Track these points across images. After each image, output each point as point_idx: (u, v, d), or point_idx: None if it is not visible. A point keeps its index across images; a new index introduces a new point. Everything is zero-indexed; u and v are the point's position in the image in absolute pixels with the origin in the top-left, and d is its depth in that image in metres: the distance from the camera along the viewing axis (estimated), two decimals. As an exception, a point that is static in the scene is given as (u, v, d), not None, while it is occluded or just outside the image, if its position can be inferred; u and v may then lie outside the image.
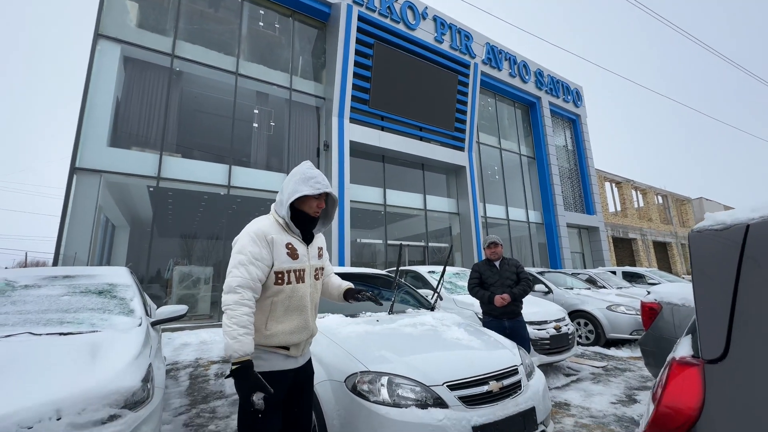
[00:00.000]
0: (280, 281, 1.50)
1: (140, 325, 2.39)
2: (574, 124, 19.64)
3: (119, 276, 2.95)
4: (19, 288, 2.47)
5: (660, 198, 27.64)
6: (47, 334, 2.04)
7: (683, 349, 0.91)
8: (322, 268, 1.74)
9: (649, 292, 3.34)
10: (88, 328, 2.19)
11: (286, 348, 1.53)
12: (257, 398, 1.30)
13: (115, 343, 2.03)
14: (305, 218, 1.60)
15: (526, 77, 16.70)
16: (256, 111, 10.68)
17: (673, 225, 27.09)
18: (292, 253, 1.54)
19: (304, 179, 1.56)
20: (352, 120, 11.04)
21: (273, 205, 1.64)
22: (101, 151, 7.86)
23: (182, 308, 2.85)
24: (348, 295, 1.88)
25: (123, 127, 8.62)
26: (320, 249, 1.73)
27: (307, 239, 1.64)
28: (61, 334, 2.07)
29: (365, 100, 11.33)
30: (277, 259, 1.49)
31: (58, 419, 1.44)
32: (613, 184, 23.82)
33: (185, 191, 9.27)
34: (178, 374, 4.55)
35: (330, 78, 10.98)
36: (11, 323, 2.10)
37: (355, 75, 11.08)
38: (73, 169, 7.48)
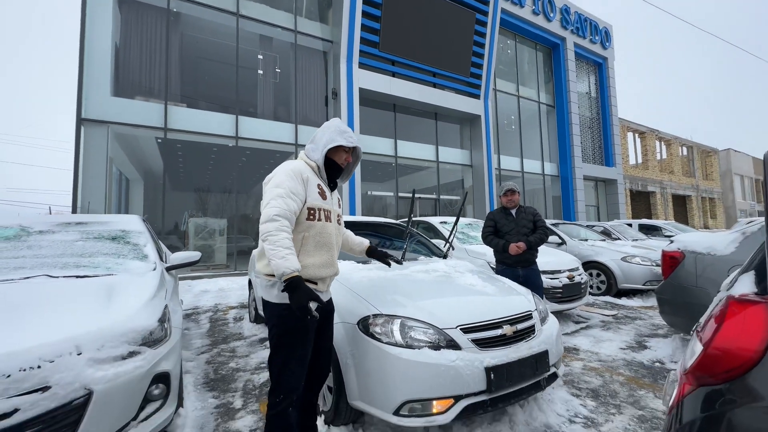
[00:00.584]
0: (312, 217, 1.60)
1: (155, 269, 2.41)
2: (599, 68, 18.26)
3: (131, 223, 2.96)
4: (34, 233, 2.49)
5: (684, 149, 26.34)
6: (64, 276, 2.08)
7: (743, 286, 0.82)
8: (341, 216, 1.86)
9: (672, 241, 3.22)
10: (104, 272, 2.22)
11: (314, 282, 1.62)
12: (313, 305, 1.37)
13: (131, 285, 2.05)
14: (334, 167, 1.73)
15: (551, 15, 15.27)
16: (260, 56, 10.14)
17: (695, 178, 26.07)
18: (322, 194, 1.66)
19: (339, 132, 1.70)
20: (362, 65, 10.43)
21: (303, 151, 1.77)
22: (105, 101, 7.68)
23: (196, 254, 2.87)
24: (373, 253, 2.04)
25: (125, 75, 8.33)
26: (339, 199, 1.87)
27: (332, 187, 1.78)
28: (77, 276, 2.10)
29: (375, 42, 10.59)
30: (310, 196, 1.60)
31: (78, 354, 1.47)
32: (636, 135, 22.65)
33: (194, 143, 9.15)
34: (198, 318, 4.78)
35: (337, 18, 10.20)
36: (29, 266, 2.13)
37: (364, 14, 10.25)
38: (80, 121, 7.38)
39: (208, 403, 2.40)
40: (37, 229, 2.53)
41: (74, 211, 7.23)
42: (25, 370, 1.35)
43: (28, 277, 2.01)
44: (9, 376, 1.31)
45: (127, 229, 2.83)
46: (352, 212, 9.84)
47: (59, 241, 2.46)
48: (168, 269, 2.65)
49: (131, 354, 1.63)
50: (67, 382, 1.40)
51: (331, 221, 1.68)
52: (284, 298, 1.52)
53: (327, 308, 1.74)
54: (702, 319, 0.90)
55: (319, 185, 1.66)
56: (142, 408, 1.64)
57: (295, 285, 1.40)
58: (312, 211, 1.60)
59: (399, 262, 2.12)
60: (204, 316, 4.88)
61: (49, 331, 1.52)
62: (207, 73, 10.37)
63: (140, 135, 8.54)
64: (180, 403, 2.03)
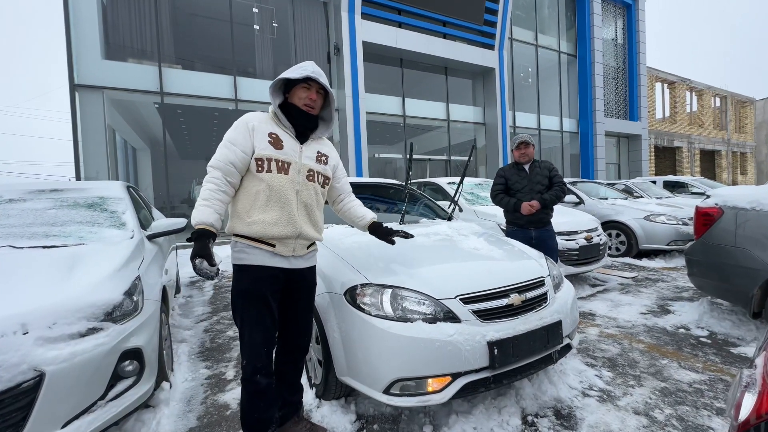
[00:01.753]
0: (260, 168, 1.44)
1: (132, 237, 2.24)
2: (628, 10, 16.57)
3: (111, 189, 2.76)
4: (3, 202, 2.33)
5: (717, 100, 24.38)
6: (29, 247, 1.92)
7: None
8: (323, 175, 1.60)
9: (707, 196, 2.84)
10: (75, 242, 2.05)
11: (271, 245, 1.46)
12: (199, 262, 1.30)
13: (99, 255, 1.88)
14: (296, 112, 1.51)
15: (576, -52, 13.64)
16: (255, 10, 9.44)
17: (727, 131, 24.33)
18: (275, 143, 1.47)
19: (291, 69, 1.50)
20: (365, 16, 9.63)
21: None
22: (98, 65, 7.34)
23: (180, 221, 2.68)
24: (377, 231, 1.77)
25: (115, 36, 7.91)
26: (321, 154, 1.60)
27: (302, 137, 1.55)
28: (44, 247, 1.94)
29: (379, -11, 9.69)
30: (258, 146, 1.44)
31: (24, 333, 1.32)
32: (665, 85, 20.96)
33: (193, 108, 8.82)
34: (203, 285, 4.74)
35: (336, -38, 9.30)
36: (-7, 237, 1.97)
37: (366, -44, 9.30)
38: (73, 87, 7.11)
39: (200, 374, 2.31)
40: (6, 198, 2.36)
41: (78, 180, 7.17)
42: (-41, 352, 1.20)
43: (-11, 249, 1.86)
44: (-60, 359, 1.17)
45: (106, 195, 2.64)
46: (359, 176, 9.53)
47: (30, 209, 2.29)
48: (150, 238, 2.48)
49: (91, 330, 1.47)
50: (12, 364, 1.26)
51: (287, 173, 1.46)
52: (237, 260, 1.47)
53: (294, 283, 1.55)
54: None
55: (272, 134, 1.47)
56: (111, 386, 1.51)
57: (195, 238, 1.34)
58: (260, 162, 1.43)
59: (408, 237, 1.80)
60: (209, 283, 4.84)
61: (-7, 308, 1.36)
62: (200, 30, 9.77)
63: (137, 100, 8.25)
64: (164, 377, 1.92)
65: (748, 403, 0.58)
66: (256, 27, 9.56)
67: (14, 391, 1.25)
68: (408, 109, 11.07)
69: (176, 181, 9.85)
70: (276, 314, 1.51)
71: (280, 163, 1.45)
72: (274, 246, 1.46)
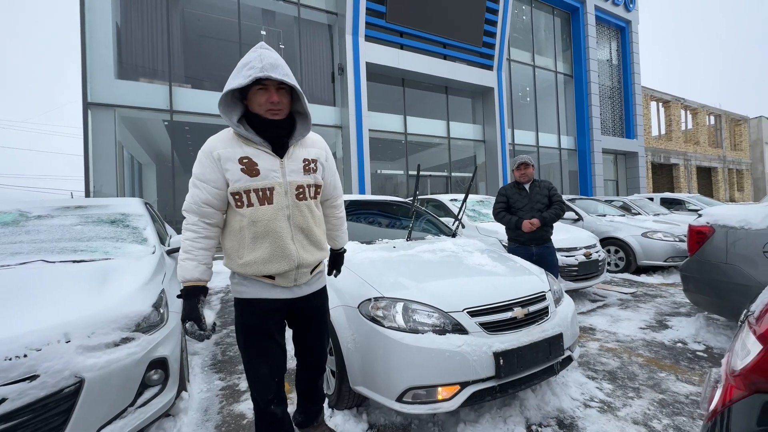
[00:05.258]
0: (239, 203, 1.27)
1: (153, 253, 2.36)
2: (622, 33, 17.14)
3: (132, 206, 2.90)
4: (33, 218, 2.46)
5: (712, 118, 24.89)
6: (60, 261, 2.04)
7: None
8: (315, 185, 1.39)
9: (700, 215, 2.98)
10: (101, 256, 2.18)
11: (271, 277, 1.34)
12: (189, 326, 1.27)
13: (127, 269, 2.00)
14: (262, 123, 1.28)
15: (570, -25, 14.25)
16: (263, 32, 9.84)
17: (722, 148, 24.74)
18: (249, 169, 1.25)
19: (236, 71, 1.24)
20: (368, 38, 10.00)
21: None
22: (111, 84, 7.61)
23: (197, 237, 2.80)
24: (335, 260, 1.70)
25: (128, 57, 8.21)
26: (308, 161, 1.35)
27: (280, 150, 1.32)
28: (74, 261, 2.06)
29: (381, 13, 10.11)
30: (231, 178, 1.25)
31: (67, 342, 1.42)
32: (660, 104, 21.47)
33: (201, 125, 9.06)
34: (210, 299, 4.82)
35: (341, -12, 9.72)
36: (26, 251, 2.10)
37: (370, -18, 9.73)
38: (87, 105, 7.35)
39: (214, 385, 2.39)
40: (35, 214, 2.50)
41: (87, 196, 7.32)
42: (10, 359, 1.30)
43: (24, 263, 1.98)
44: (-7, 365, 1.27)
45: (127, 212, 2.78)
46: (362, 191, 9.70)
47: (57, 225, 2.42)
48: (168, 252, 2.60)
49: (124, 340, 1.58)
50: (56, 371, 1.36)
51: (271, 202, 1.27)
52: (237, 293, 1.40)
53: (303, 310, 1.48)
54: (755, 308, 0.75)
55: (243, 158, 1.25)
56: (140, 393, 1.61)
57: (185, 296, 1.27)
58: (237, 196, 1.26)
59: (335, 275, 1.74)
60: (215, 297, 4.92)
61: (38, 318, 1.47)
62: (210, 51, 10.14)
63: (147, 118, 8.49)
64: (183, 387, 2.01)
65: (717, 395, 0.69)
66: (264, 48, 9.91)
67: (57, 396, 1.35)
68: (410, 126, 11.35)
69: (181, 195, 10.01)
70: (283, 341, 1.46)
71: (260, 193, 1.26)
72: (273, 278, 1.35)
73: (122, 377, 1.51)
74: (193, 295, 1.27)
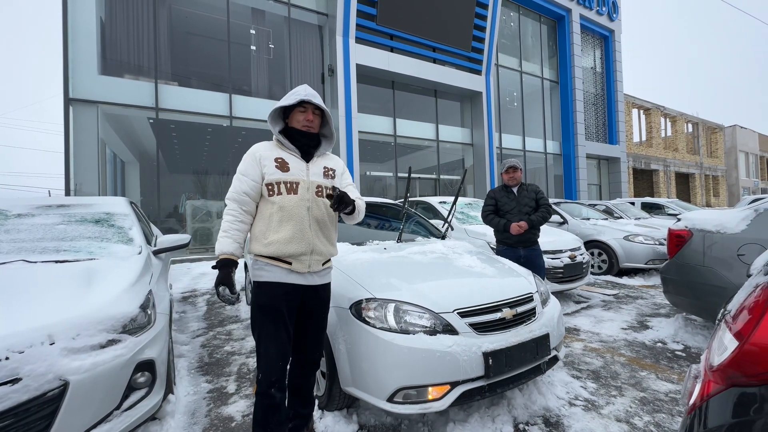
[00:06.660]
0: (271, 192, 1.56)
1: (140, 253, 2.32)
2: (605, 41, 17.63)
3: (117, 205, 2.84)
4: (12, 217, 2.38)
5: (690, 126, 25.82)
6: (42, 261, 1.98)
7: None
8: (324, 188, 1.67)
9: (679, 219, 3.10)
10: (86, 256, 2.13)
11: (288, 263, 1.55)
12: (222, 290, 1.48)
13: (113, 270, 1.96)
14: (297, 134, 1.64)
15: (557, -16, 14.58)
16: (252, 31, 9.74)
17: (699, 155, 25.67)
18: (282, 167, 1.59)
19: (286, 96, 1.63)
20: (359, 40, 10.02)
21: None
22: (93, 80, 7.41)
23: (185, 237, 2.77)
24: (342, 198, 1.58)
25: (112, 52, 8.01)
26: (327, 168, 1.70)
27: (307, 156, 1.66)
28: (57, 261, 2.00)
29: (372, 15, 10.14)
30: (267, 172, 1.57)
31: (51, 344, 1.39)
32: (641, 111, 22.15)
33: (187, 123, 8.91)
34: (196, 301, 4.74)
35: (332, -11, 9.72)
36: (5, 251, 2.04)
37: (361, -15, 9.76)
38: (68, 100, 7.15)
39: (201, 388, 2.36)
40: (15, 213, 2.42)
41: (67, 194, 7.10)
42: (-9, 362, 1.26)
43: (4, 263, 1.92)
44: (-27, 368, 1.23)
45: (112, 211, 2.72)
46: (351, 193, 9.68)
47: (39, 224, 2.35)
48: (155, 253, 2.56)
49: (110, 342, 1.55)
50: (40, 374, 1.33)
51: (296, 193, 1.57)
52: (257, 276, 1.58)
53: (310, 301, 1.63)
54: (732, 307, 0.79)
55: (278, 159, 1.59)
56: (126, 396, 1.58)
57: (219, 266, 1.51)
58: (270, 187, 1.56)
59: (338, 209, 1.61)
60: (201, 298, 4.84)
61: (20, 320, 1.43)
62: (198, 49, 9.99)
63: (131, 115, 8.31)
64: (170, 390, 1.98)
65: (697, 390, 0.73)
66: (253, 47, 9.84)
67: (40, 400, 1.31)
68: (399, 129, 11.40)
69: (165, 194, 9.80)
70: (291, 330, 1.58)
71: (288, 185, 1.56)
72: (290, 264, 1.55)
73: (108, 380, 1.48)
74: (227, 266, 1.51)
